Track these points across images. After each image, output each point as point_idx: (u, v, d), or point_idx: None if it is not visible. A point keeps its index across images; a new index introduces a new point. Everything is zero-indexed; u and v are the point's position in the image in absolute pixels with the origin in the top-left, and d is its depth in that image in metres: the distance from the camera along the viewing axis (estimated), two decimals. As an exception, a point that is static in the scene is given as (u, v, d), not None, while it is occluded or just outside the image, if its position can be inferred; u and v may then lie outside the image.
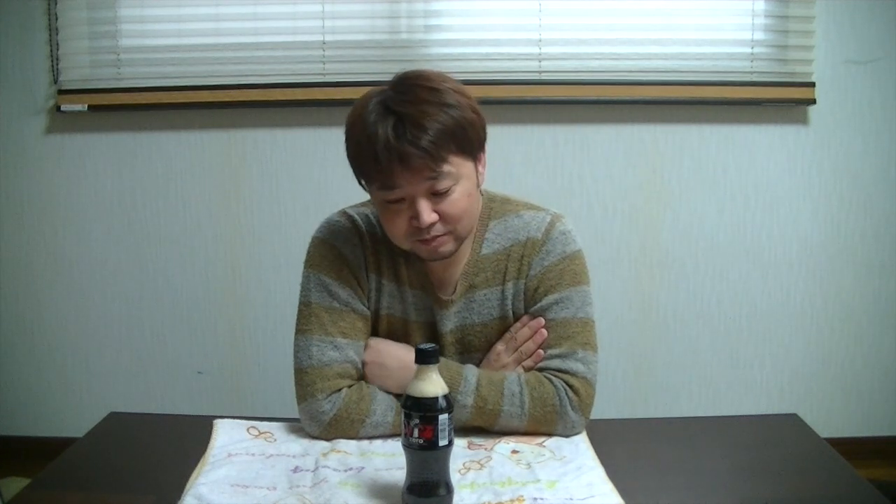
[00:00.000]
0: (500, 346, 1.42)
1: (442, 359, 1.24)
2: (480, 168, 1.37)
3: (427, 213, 1.28)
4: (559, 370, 1.35)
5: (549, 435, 1.32)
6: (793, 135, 2.64)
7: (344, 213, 1.45)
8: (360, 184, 1.36)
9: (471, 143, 1.32)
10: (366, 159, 1.28)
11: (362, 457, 1.25)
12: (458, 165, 1.29)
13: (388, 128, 1.25)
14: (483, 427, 1.33)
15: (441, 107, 1.27)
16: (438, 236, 1.31)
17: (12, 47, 2.61)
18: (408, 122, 1.24)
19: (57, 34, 2.59)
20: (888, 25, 2.58)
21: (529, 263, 1.41)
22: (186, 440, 1.31)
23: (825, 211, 2.66)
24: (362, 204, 1.47)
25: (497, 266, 1.42)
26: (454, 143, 1.28)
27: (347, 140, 1.33)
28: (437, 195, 1.29)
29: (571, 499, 1.10)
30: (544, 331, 1.37)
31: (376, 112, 1.27)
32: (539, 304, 1.39)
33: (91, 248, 2.69)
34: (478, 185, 1.37)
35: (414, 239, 1.32)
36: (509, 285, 1.42)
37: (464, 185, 1.31)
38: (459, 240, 1.35)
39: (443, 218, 1.30)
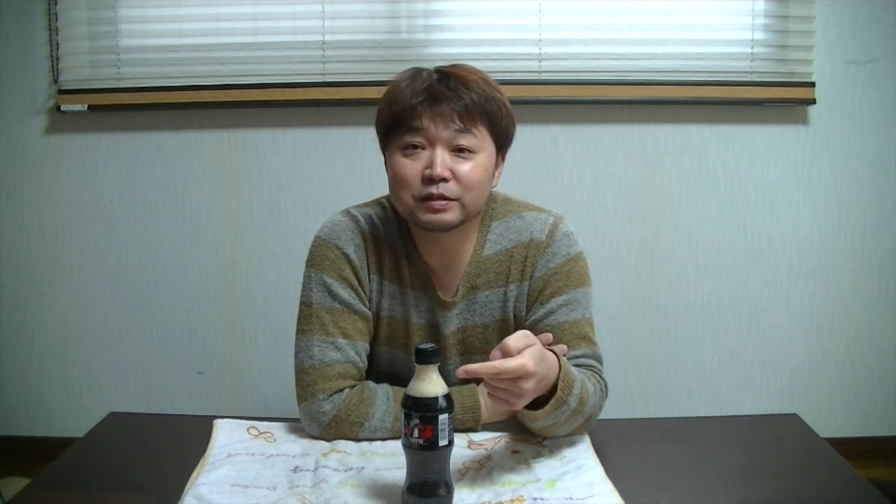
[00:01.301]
0: None
1: (553, 356, 1.19)
2: (497, 171, 1.39)
3: (442, 164, 1.29)
4: (592, 369, 1.36)
5: (571, 434, 1.30)
6: (793, 135, 2.64)
7: (347, 212, 1.45)
8: (382, 146, 1.38)
9: (499, 130, 1.36)
10: (401, 100, 1.31)
11: (362, 457, 1.25)
12: (483, 138, 1.33)
13: (433, 78, 1.32)
14: (541, 432, 1.28)
15: (484, 83, 1.33)
16: (446, 200, 1.31)
17: (12, 47, 2.61)
18: (452, 79, 1.31)
19: (57, 34, 2.58)
20: (888, 25, 2.58)
21: (534, 265, 1.41)
22: (186, 440, 1.31)
23: (825, 211, 2.66)
24: (366, 204, 1.47)
25: (499, 267, 1.42)
26: (487, 117, 1.33)
27: (383, 97, 1.36)
28: (457, 153, 1.31)
29: (571, 498, 1.10)
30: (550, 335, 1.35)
31: (421, 71, 1.34)
32: (547, 307, 1.39)
33: (91, 248, 2.69)
34: (492, 176, 1.38)
35: (422, 195, 1.31)
36: (512, 287, 1.42)
37: (483, 159, 1.33)
38: (464, 213, 1.34)
39: (456, 179, 1.31)
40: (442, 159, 1.29)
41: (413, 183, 1.31)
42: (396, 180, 1.34)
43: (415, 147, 1.31)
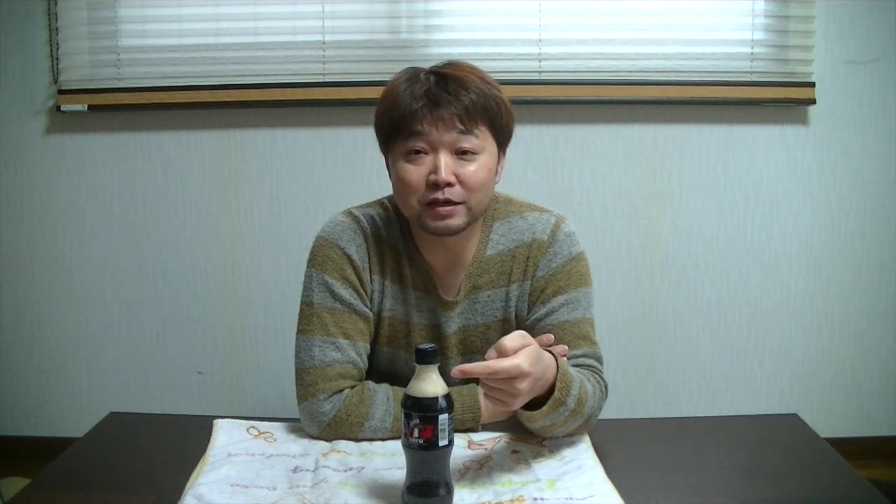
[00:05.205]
0: None
1: (550, 356, 1.19)
2: (499, 166, 1.40)
3: (446, 169, 1.29)
4: (591, 369, 1.36)
5: (570, 435, 1.30)
6: (793, 135, 2.64)
7: (349, 213, 1.45)
8: (383, 149, 1.38)
9: (501, 127, 1.35)
10: (401, 105, 1.30)
11: (362, 457, 1.25)
12: (485, 139, 1.33)
13: (431, 81, 1.31)
14: (540, 432, 1.28)
15: (483, 82, 1.33)
16: (452, 204, 1.31)
17: (12, 47, 2.61)
18: (451, 81, 1.30)
19: (57, 34, 2.59)
20: (888, 25, 2.58)
21: (536, 265, 1.42)
22: (186, 440, 1.31)
23: (825, 211, 2.66)
24: (367, 205, 1.47)
25: (502, 267, 1.43)
26: (487, 117, 1.32)
27: (381, 100, 1.36)
28: (460, 156, 1.31)
29: (571, 498, 1.10)
30: (551, 336, 1.35)
31: (418, 73, 1.33)
32: (548, 305, 1.39)
33: (91, 248, 2.69)
34: (495, 174, 1.38)
35: (427, 200, 1.31)
36: (514, 287, 1.42)
37: (486, 159, 1.33)
38: (470, 215, 1.34)
39: (461, 182, 1.31)
40: (445, 164, 1.30)
41: (418, 188, 1.31)
42: (401, 186, 1.34)
43: (417, 152, 1.31)
